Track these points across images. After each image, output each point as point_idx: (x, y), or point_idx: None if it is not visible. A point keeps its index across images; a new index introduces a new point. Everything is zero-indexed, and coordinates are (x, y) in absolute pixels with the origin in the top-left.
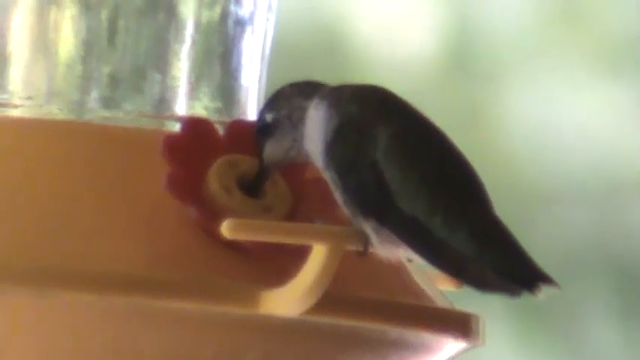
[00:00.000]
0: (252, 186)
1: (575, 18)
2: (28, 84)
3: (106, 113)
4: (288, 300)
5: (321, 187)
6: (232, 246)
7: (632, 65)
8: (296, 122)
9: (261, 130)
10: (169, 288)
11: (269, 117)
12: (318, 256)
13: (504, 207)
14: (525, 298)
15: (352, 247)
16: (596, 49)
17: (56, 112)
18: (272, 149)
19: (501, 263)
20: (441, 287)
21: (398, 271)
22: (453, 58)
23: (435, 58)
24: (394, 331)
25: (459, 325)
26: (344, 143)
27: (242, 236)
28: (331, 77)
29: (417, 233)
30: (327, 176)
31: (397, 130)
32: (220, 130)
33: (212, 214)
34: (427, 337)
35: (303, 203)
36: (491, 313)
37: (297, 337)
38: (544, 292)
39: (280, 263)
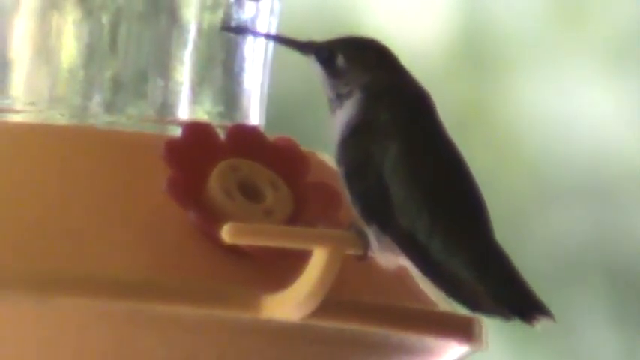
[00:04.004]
0: (253, 190)
1: (583, 12)
2: (30, 89)
3: (109, 118)
4: (289, 304)
5: (322, 192)
6: (234, 250)
7: (638, 60)
8: (346, 93)
9: (322, 59)
10: (170, 293)
11: (340, 61)
12: (318, 260)
13: (506, 205)
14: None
15: (352, 252)
16: (603, 44)
17: (59, 117)
18: (319, 77)
19: (499, 290)
20: None
21: (401, 275)
22: (461, 51)
23: (444, 51)
24: (397, 335)
25: (462, 328)
26: (357, 143)
27: (242, 240)
28: None
29: (415, 249)
30: (339, 172)
31: (408, 148)
32: (222, 135)
33: (212, 218)
34: (430, 340)
35: (305, 207)
36: (485, 318)
37: (301, 341)
38: (540, 323)
39: (282, 267)
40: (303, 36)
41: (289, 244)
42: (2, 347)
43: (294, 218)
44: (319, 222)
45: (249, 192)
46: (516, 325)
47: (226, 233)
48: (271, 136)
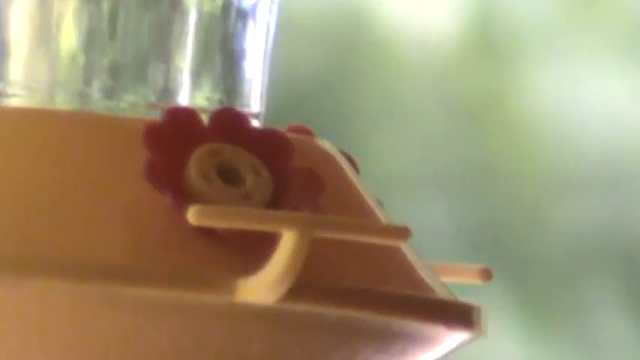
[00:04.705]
0: (233, 174)
1: (594, 1)
2: (29, 74)
3: (109, 103)
4: (261, 287)
5: (305, 176)
6: (210, 234)
7: None
8: None
9: None
10: (145, 276)
11: None
12: (287, 242)
13: (521, 194)
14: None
15: (322, 234)
16: (614, 33)
17: (58, 102)
18: None
19: None
20: (465, 280)
21: (399, 260)
22: (475, 40)
23: (458, 40)
24: (397, 322)
25: (461, 316)
26: None
27: (208, 222)
28: (357, 56)
29: None
30: None
31: None
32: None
33: (188, 202)
34: (427, 328)
35: (286, 192)
36: (501, 307)
37: (298, 327)
38: None
39: (258, 251)
40: (314, 25)
41: (256, 227)
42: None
43: (274, 202)
44: (299, 206)
45: (230, 176)
46: (530, 312)
47: (192, 215)
48: (286, 123)
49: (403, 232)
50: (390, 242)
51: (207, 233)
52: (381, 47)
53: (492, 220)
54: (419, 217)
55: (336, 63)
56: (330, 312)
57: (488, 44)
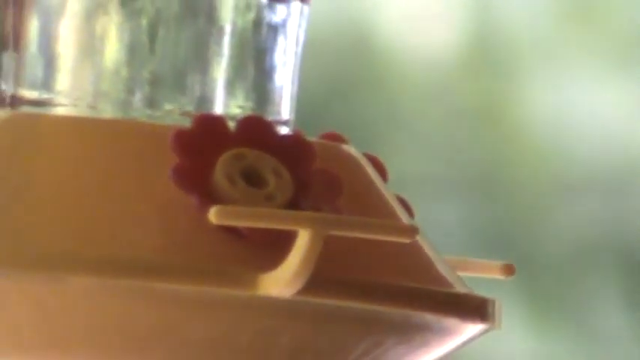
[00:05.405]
0: (257, 177)
1: (590, 15)
2: (75, 85)
3: (150, 112)
4: (280, 281)
5: (325, 178)
6: (235, 233)
7: None
8: None
9: None
10: (174, 272)
11: None
12: (302, 240)
13: (523, 202)
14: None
15: (335, 232)
16: (609, 45)
17: (102, 110)
18: None
19: None
20: (488, 275)
21: (419, 257)
22: (475, 54)
23: (458, 55)
24: (417, 315)
25: (478, 309)
26: None
27: (228, 222)
28: (358, 70)
29: None
30: None
31: None
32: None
33: (214, 203)
34: (446, 320)
35: (306, 193)
36: (506, 301)
37: (320, 319)
38: None
39: (278, 248)
40: (321, 41)
41: (274, 225)
42: (21, 328)
43: (295, 203)
44: (319, 206)
45: (253, 179)
46: (537, 307)
47: (214, 215)
48: (318, 130)
49: (411, 231)
50: (398, 239)
51: (231, 232)
52: (384, 62)
53: (500, 221)
54: (433, 216)
55: (342, 77)
56: (350, 305)
57: (487, 59)
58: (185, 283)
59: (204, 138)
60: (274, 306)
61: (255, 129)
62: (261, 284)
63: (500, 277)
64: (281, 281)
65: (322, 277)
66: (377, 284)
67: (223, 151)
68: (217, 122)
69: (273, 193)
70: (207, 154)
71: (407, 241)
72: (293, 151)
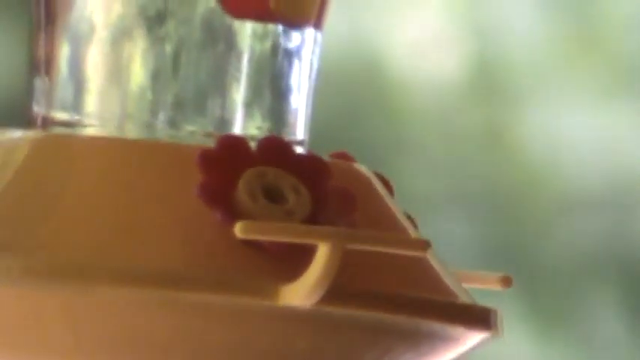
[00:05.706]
0: (277, 194)
1: (589, 43)
2: (103, 107)
3: (173, 132)
4: (300, 292)
5: (341, 195)
6: (257, 246)
7: None
8: None
9: None
10: (198, 283)
11: None
12: (322, 253)
13: (526, 219)
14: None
15: (353, 246)
16: (607, 72)
17: (128, 131)
18: None
19: None
20: (487, 287)
21: (427, 269)
22: (478, 81)
23: (462, 83)
24: (425, 323)
25: (482, 319)
26: None
27: (252, 236)
28: (368, 95)
29: None
30: None
31: None
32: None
33: (237, 218)
34: (452, 329)
35: (323, 209)
36: (510, 312)
37: (335, 328)
38: None
39: (298, 261)
40: (330, 69)
41: (295, 240)
42: (46, 333)
43: (313, 218)
44: (335, 221)
45: (274, 196)
46: (539, 317)
47: (238, 230)
48: (328, 149)
49: (424, 245)
50: (412, 253)
51: (253, 245)
52: (393, 87)
53: (503, 237)
54: (438, 233)
55: (352, 101)
56: (364, 314)
57: (490, 84)
58: (209, 293)
59: (228, 157)
60: (293, 315)
61: (275, 149)
62: (282, 295)
63: (498, 288)
64: (301, 292)
65: (339, 288)
66: (390, 295)
67: (245, 169)
68: (240, 142)
69: (293, 209)
70: (231, 172)
71: (420, 254)
72: (310, 170)
